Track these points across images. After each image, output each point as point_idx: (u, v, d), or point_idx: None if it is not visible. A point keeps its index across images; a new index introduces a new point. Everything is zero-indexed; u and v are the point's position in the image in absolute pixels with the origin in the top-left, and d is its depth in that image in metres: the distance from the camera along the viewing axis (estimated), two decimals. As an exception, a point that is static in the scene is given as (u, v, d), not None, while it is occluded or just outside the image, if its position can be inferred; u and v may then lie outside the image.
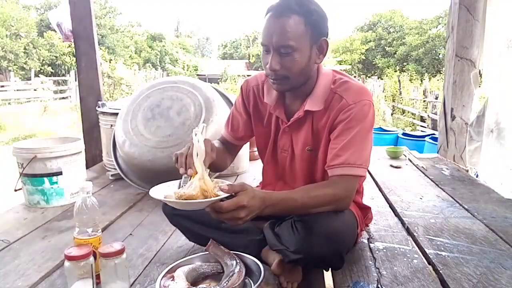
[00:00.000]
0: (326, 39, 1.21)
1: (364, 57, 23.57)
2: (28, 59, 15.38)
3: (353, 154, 1.17)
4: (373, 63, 23.46)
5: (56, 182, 2.04)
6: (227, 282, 1.05)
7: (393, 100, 12.63)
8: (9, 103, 11.71)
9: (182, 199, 1.02)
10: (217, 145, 1.37)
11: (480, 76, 2.74)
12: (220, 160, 1.34)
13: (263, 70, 1.30)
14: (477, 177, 2.66)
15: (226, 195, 1.01)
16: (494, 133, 2.46)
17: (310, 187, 1.21)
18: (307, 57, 1.19)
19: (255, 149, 1.53)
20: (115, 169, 2.47)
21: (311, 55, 1.20)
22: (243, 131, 1.45)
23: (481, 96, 3.24)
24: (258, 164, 1.63)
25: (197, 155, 1.07)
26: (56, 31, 3.67)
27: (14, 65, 14.96)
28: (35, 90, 12.97)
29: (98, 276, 1.15)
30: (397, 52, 22.47)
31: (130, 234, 1.69)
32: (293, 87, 1.23)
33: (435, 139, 4.49)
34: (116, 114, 2.49)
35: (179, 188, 1.10)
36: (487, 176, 2.53)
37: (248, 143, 2.71)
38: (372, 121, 1.22)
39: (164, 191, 1.11)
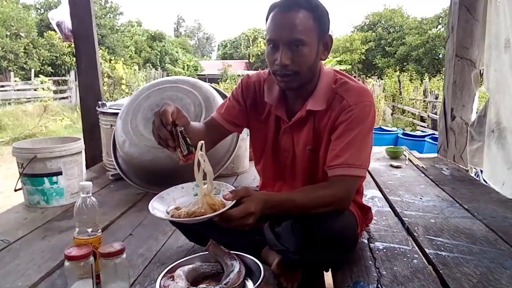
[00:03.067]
0: (330, 35, 1.22)
1: (364, 57, 23.52)
2: (28, 59, 15.33)
3: (353, 155, 1.17)
4: (373, 63, 23.42)
5: (56, 182, 2.04)
6: (227, 282, 1.05)
7: (393, 100, 12.62)
8: (9, 103, 11.67)
9: (192, 217, 1.02)
10: (199, 126, 1.31)
11: (481, 76, 2.74)
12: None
13: (263, 70, 1.29)
14: (477, 177, 2.66)
15: (232, 203, 1.02)
16: (495, 133, 2.46)
17: (310, 188, 1.20)
18: (315, 53, 1.18)
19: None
20: (115, 169, 2.47)
21: (318, 51, 1.20)
22: (236, 118, 1.38)
23: (481, 96, 3.24)
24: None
25: (199, 171, 1.05)
26: (56, 31, 3.67)
27: (14, 65, 14.92)
28: (35, 90, 12.94)
29: (98, 276, 1.15)
30: (397, 52, 22.42)
31: (130, 234, 1.69)
32: (302, 84, 1.22)
33: (435, 139, 4.49)
34: (116, 114, 2.49)
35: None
36: (490, 176, 2.53)
37: (248, 143, 2.72)
38: (372, 122, 1.22)
39: (164, 207, 1.12)
